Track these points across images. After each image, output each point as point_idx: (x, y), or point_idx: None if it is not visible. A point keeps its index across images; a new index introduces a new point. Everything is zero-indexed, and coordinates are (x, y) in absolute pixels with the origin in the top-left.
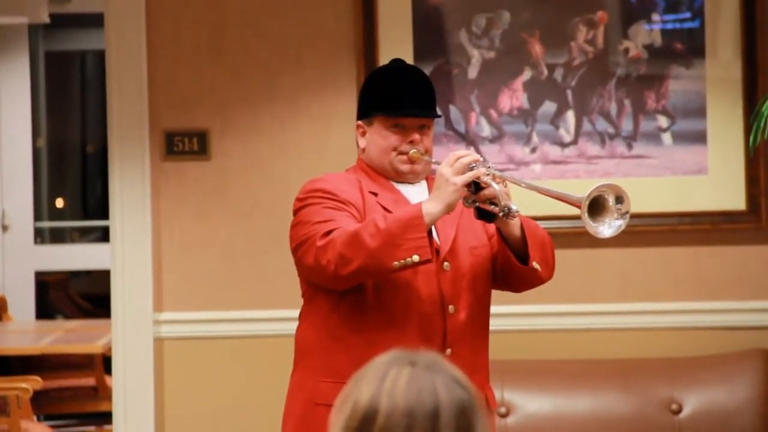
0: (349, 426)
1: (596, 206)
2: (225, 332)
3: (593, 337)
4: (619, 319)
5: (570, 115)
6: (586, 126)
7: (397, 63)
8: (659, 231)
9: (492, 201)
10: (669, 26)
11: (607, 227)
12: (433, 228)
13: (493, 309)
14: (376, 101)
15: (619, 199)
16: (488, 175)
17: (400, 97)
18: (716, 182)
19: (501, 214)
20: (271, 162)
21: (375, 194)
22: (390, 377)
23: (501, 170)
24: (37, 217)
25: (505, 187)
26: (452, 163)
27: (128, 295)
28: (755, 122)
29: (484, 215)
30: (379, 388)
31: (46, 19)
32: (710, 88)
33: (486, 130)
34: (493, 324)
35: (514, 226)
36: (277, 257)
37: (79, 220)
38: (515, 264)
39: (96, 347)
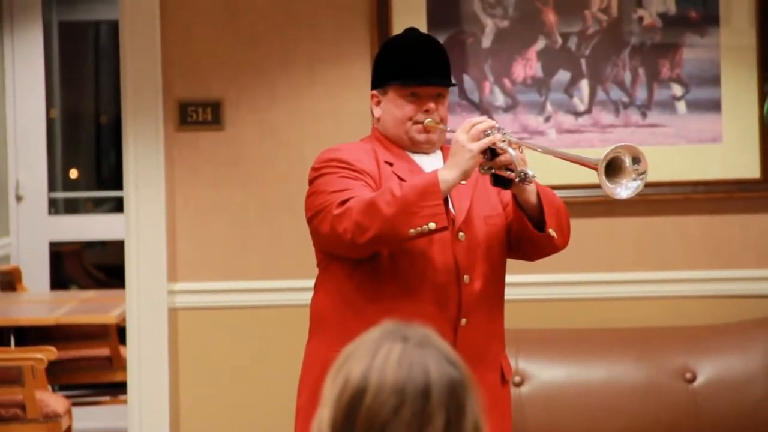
0: (339, 401)
1: (613, 168)
2: (239, 302)
3: (608, 306)
4: (633, 287)
5: (584, 84)
6: (600, 95)
7: (411, 32)
8: (674, 200)
9: (508, 167)
10: None
11: (624, 188)
12: (448, 198)
13: (508, 278)
14: (390, 70)
15: (636, 160)
16: (504, 141)
17: (415, 66)
18: (730, 151)
19: (517, 180)
20: (286, 130)
21: (390, 164)
22: (381, 353)
23: (516, 137)
24: (51, 187)
25: (521, 152)
26: (468, 129)
27: (142, 265)
28: None
29: (500, 182)
30: (370, 364)
31: None
32: (724, 57)
33: (500, 99)
34: (508, 293)
35: (530, 193)
36: (292, 227)
37: (93, 191)
38: (531, 231)
39: (110, 318)
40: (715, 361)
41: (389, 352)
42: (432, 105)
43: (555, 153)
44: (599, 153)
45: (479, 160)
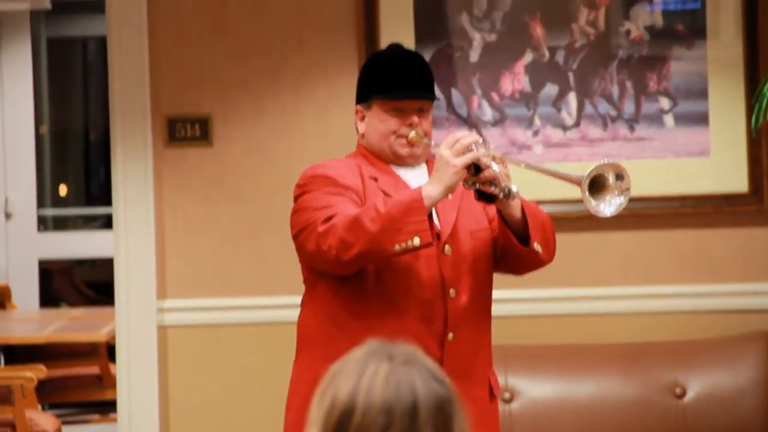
0: (327, 421)
1: (597, 185)
2: (228, 320)
3: (596, 321)
4: (621, 302)
5: (572, 98)
6: (588, 108)
7: (394, 47)
8: (661, 214)
9: (492, 182)
10: (670, 7)
11: (608, 205)
12: (433, 212)
13: (496, 294)
14: (373, 85)
15: (619, 177)
16: (488, 156)
17: (398, 81)
18: (718, 164)
19: (501, 196)
20: (274, 147)
21: (375, 179)
22: (368, 373)
23: (501, 152)
24: (41, 204)
25: (505, 168)
26: (452, 144)
27: (132, 282)
28: (757, 103)
29: (485, 197)
30: (357, 384)
31: (48, 6)
32: (712, 70)
33: (488, 113)
34: (496, 309)
35: (515, 208)
36: (280, 243)
37: (83, 208)
38: (516, 246)
39: (100, 335)
40: (705, 376)
41: (376, 371)
42: (415, 119)
43: (539, 169)
44: (587, 167)
45: (463, 176)
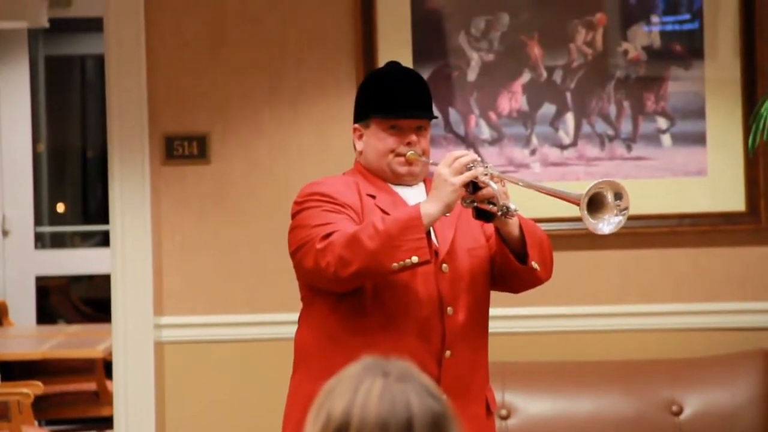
0: None
1: (595, 203)
2: (225, 336)
3: (594, 339)
4: (619, 320)
5: (569, 117)
6: (586, 128)
7: (392, 65)
8: (659, 232)
9: (490, 200)
10: (668, 28)
11: (607, 224)
12: (431, 230)
13: (494, 311)
14: (372, 104)
15: (618, 196)
16: (486, 174)
17: (396, 99)
18: (716, 183)
19: (499, 214)
20: (271, 164)
21: (373, 197)
22: (363, 389)
23: (499, 171)
24: (38, 221)
25: (504, 186)
26: (450, 163)
27: (129, 299)
28: (754, 123)
29: (483, 215)
30: (352, 400)
31: (46, 24)
32: (709, 90)
33: (485, 132)
34: (494, 326)
35: (513, 226)
36: (277, 260)
37: (80, 225)
38: (514, 264)
39: (97, 352)
40: (702, 393)
41: (371, 388)
42: (413, 137)
43: (537, 187)
44: (584, 186)
45: (461, 194)
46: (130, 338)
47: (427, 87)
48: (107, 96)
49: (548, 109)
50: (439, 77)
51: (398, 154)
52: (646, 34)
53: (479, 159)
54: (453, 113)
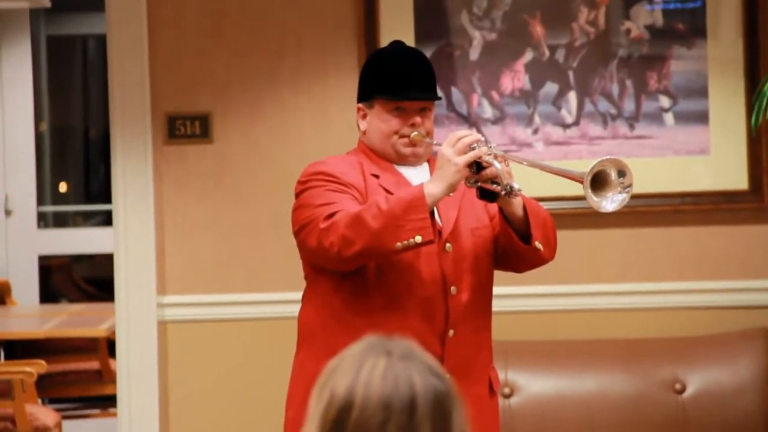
0: (325, 417)
1: (599, 181)
2: (228, 315)
3: (596, 318)
4: (621, 299)
5: (572, 96)
6: (588, 107)
7: (396, 45)
8: (661, 211)
9: (494, 180)
10: (670, 6)
11: (610, 202)
12: (435, 210)
13: (497, 290)
14: (376, 84)
15: (621, 173)
16: (490, 154)
17: (401, 80)
18: (718, 162)
19: (503, 193)
20: (273, 144)
21: (377, 176)
22: (366, 368)
23: (502, 150)
24: (40, 201)
25: (507, 165)
26: (453, 143)
27: (131, 278)
28: (757, 102)
29: (486, 195)
30: (355, 379)
31: (48, 4)
32: (712, 68)
33: (488, 111)
34: (497, 305)
35: (517, 206)
36: (279, 239)
37: (82, 204)
38: (517, 243)
39: (100, 331)
40: (704, 372)
41: (374, 367)
42: (418, 119)
43: (541, 166)
44: (587, 165)
45: (465, 174)
46: (132, 317)
47: (432, 67)
48: (109, 75)
49: (551, 88)
50: (442, 56)
51: (402, 135)
52: (649, 12)
53: (483, 139)
54: (455, 92)
